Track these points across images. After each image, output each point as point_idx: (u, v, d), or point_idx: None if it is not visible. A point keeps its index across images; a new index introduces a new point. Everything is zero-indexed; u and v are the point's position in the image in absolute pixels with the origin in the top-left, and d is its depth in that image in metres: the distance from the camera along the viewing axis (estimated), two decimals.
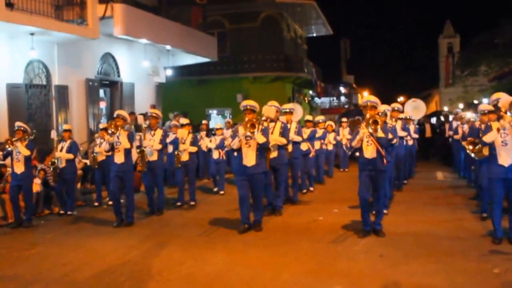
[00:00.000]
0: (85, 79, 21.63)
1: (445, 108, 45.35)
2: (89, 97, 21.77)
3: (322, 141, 19.70)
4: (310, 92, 45.80)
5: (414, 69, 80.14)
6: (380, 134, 10.26)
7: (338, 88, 58.46)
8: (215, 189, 18.00)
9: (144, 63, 24.83)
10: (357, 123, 10.73)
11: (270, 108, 13.06)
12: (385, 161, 10.48)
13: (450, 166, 23.39)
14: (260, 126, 11.28)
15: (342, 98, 58.63)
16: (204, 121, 20.96)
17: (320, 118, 21.43)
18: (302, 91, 43.09)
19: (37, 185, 14.41)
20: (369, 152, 10.53)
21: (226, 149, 16.03)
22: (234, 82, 36.52)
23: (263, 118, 12.02)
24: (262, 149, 11.57)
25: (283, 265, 8.94)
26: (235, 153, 11.60)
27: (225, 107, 37.07)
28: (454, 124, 20.33)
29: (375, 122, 10.12)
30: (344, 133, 22.61)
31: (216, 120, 34.54)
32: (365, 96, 10.90)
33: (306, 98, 44.50)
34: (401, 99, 33.03)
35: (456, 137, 18.85)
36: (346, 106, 54.52)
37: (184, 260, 9.48)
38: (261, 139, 11.22)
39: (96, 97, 22.37)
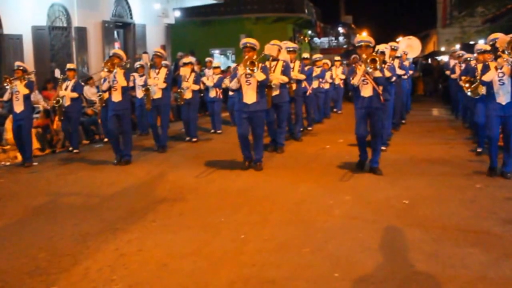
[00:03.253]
0: (102, 21, 22.70)
1: (442, 49, 46.11)
2: (105, 39, 22.86)
3: (321, 79, 19.50)
4: (309, 32, 46.79)
5: (412, 9, 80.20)
6: (377, 74, 10.34)
7: (337, 29, 59.21)
8: (212, 130, 18.10)
9: (155, 5, 26.05)
10: (353, 62, 11.45)
11: (271, 47, 13.15)
12: (382, 98, 10.68)
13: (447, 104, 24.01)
14: (260, 64, 11.30)
15: (341, 38, 59.28)
16: (208, 58, 21.03)
17: (318, 56, 21.37)
18: (302, 31, 44.15)
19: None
20: (366, 90, 10.61)
21: (223, 87, 16.78)
22: (237, 23, 37.52)
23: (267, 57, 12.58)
24: (262, 87, 11.54)
25: (300, 182, 10.47)
26: (231, 93, 12.34)
27: (228, 47, 38.11)
28: (452, 63, 20.14)
29: (373, 61, 10.17)
30: (337, 73, 22.26)
31: (219, 59, 35.54)
32: (359, 36, 11.25)
33: (306, 38, 45.56)
34: (399, 39, 33.79)
35: (453, 76, 18.59)
36: (345, 46, 55.32)
37: (214, 179, 10.97)
38: (260, 76, 11.14)
39: (112, 39, 23.43)
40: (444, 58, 36.30)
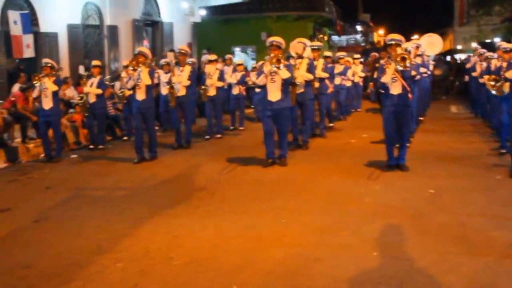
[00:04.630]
0: (132, 19, 23.56)
1: (459, 47, 46.46)
2: (135, 37, 23.72)
3: (343, 76, 19.50)
4: (328, 30, 47.30)
5: (428, 8, 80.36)
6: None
7: (355, 27, 59.58)
8: (231, 127, 18.11)
9: (182, 3, 26.81)
10: (373, 59, 11.43)
11: (297, 45, 13.33)
12: (410, 96, 10.78)
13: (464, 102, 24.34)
14: (285, 62, 11.43)
15: (358, 36, 59.54)
16: (229, 55, 21.28)
17: (341, 54, 21.30)
18: (322, 29, 44.71)
19: None
20: (395, 88, 10.71)
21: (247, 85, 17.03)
22: (259, 21, 37.97)
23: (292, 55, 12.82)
24: (287, 85, 11.64)
25: (329, 173, 11.14)
26: (257, 89, 12.36)
27: (250, 44, 38.66)
28: (472, 61, 20.15)
29: (403, 59, 10.30)
30: (357, 70, 22.02)
31: (240, 56, 36.06)
32: (390, 35, 11.21)
33: (325, 37, 46.10)
34: (415, 37, 34.07)
35: (474, 74, 18.50)
36: (363, 44, 55.69)
37: (247, 171, 11.60)
38: (285, 74, 11.25)
39: (141, 37, 24.29)
40: (462, 56, 36.70)
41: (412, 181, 10.21)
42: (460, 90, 28.15)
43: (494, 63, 14.00)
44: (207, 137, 16.14)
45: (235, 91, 17.95)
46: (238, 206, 8.90)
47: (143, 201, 9.38)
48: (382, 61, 11.54)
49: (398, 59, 10.38)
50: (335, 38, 51.71)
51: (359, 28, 59.83)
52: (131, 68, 12.66)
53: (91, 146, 15.15)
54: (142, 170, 12.16)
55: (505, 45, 13.10)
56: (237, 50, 39.05)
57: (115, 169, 12.44)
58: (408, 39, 18.95)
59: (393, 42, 10.75)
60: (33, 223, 8.39)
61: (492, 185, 9.85)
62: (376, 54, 22.18)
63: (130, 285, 5.88)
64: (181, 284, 5.89)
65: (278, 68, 11.11)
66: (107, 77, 17.54)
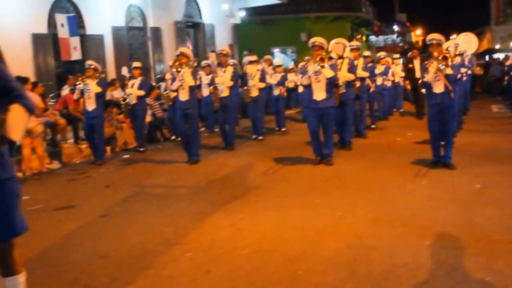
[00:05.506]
0: (174, 21, 24.07)
1: (497, 46, 46.32)
2: (178, 38, 24.19)
3: (385, 77, 19.87)
4: (366, 31, 47.55)
5: (464, 7, 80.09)
6: (449, 71, 10.63)
7: (392, 27, 59.67)
8: (276, 128, 18.26)
9: (222, 5, 27.29)
10: (412, 57, 11.41)
11: (337, 45, 13.46)
12: (452, 95, 10.92)
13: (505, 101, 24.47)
14: (329, 61, 11.55)
15: (395, 37, 59.55)
16: (267, 56, 21.52)
17: (381, 54, 21.70)
18: (359, 30, 44.97)
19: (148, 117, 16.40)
20: (438, 87, 10.86)
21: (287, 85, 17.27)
22: (297, 22, 38.37)
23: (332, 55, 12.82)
24: (331, 84, 11.75)
25: (378, 169, 11.59)
26: (300, 89, 12.59)
27: (289, 45, 38.98)
28: (511, 59, 20.46)
29: (445, 58, 10.51)
30: (396, 70, 21.76)
31: (279, 57, 36.33)
32: (430, 35, 11.29)
33: (363, 37, 46.35)
34: (453, 36, 34.06)
35: None
36: (400, 44, 55.76)
37: (296, 170, 12.01)
38: (329, 73, 11.45)
39: (184, 38, 24.77)
40: (500, 56, 36.65)
41: (458, 178, 10.55)
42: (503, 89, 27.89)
43: None
44: (254, 137, 16.40)
45: (276, 92, 18.13)
46: (294, 200, 9.36)
47: (203, 198, 9.87)
48: (415, 60, 11.53)
49: (440, 58, 10.60)
50: (372, 38, 51.93)
51: (396, 28, 59.88)
52: (174, 69, 12.72)
53: (141, 149, 15.33)
54: (194, 170, 12.57)
55: None
56: (276, 51, 39.33)
57: (168, 169, 12.83)
58: (446, 38, 19.16)
59: (434, 41, 10.93)
60: (99, 218, 8.93)
61: None
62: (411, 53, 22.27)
63: (202, 272, 6.35)
64: (250, 270, 6.36)
65: (323, 67, 11.33)
66: (158, 76, 17.75)
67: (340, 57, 13.38)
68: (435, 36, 11.05)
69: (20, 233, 4.57)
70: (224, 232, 7.80)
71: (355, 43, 16.01)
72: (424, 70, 11.17)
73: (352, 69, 13.56)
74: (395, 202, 8.98)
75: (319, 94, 11.74)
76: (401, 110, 22.43)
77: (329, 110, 11.90)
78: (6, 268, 4.59)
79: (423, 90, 11.48)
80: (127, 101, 14.95)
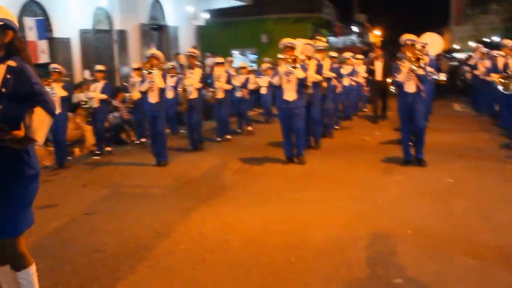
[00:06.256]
0: (140, 23, 24.12)
1: (456, 46, 46.93)
2: (143, 41, 24.29)
3: (351, 77, 20.00)
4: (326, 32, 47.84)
5: (424, 7, 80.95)
6: (421, 71, 10.93)
7: (351, 28, 59.94)
8: (238, 130, 18.15)
9: (186, 7, 27.47)
10: (374, 58, 11.58)
11: (307, 46, 13.68)
12: (423, 94, 11.27)
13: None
14: (301, 62, 11.75)
15: (354, 37, 59.77)
16: (230, 58, 21.63)
17: (348, 54, 21.55)
18: (320, 31, 45.32)
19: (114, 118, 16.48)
20: (410, 87, 11.15)
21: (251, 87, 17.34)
22: (259, 24, 38.02)
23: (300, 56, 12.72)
24: (301, 85, 11.92)
25: (352, 166, 11.93)
26: (263, 91, 12.52)
27: (250, 47, 39.13)
28: (473, 60, 20.92)
29: (418, 60, 10.82)
30: (360, 71, 21.88)
31: (239, 59, 36.30)
32: (405, 35, 11.44)
33: (324, 38, 46.66)
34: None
35: (477, 72, 19.18)
36: (359, 45, 56.09)
37: (270, 168, 12.23)
38: (301, 74, 11.58)
39: (149, 41, 24.75)
40: (459, 56, 37.23)
41: (430, 172, 10.99)
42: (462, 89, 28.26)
43: (501, 61, 14.57)
44: (219, 139, 16.37)
45: (239, 93, 18.15)
46: (275, 195, 9.66)
47: (184, 196, 10.06)
48: (376, 62, 11.57)
49: (413, 59, 10.89)
50: (332, 39, 52.24)
51: (355, 29, 60.17)
52: (145, 70, 12.60)
53: (98, 152, 14.93)
54: (166, 171, 12.53)
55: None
56: (236, 53, 39.41)
57: (140, 170, 12.76)
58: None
59: (408, 42, 11.16)
60: (84, 215, 9.06)
61: (506, 175, 10.58)
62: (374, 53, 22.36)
63: (199, 261, 6.63)
64: (246, 258, 6.67)
65: (295, 68, 11.45)
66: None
67: (309, 58, 13.54)
68: (409, 37, 11.28)
69: (31, 225, 4.85)
70: (212, 226, 8.05)
71: (322, 44, 15.92)
72: (396, 69, 11.41)
73: (319, 70, 13.77)
74: (372, 196, 9.33)
75: (290, 94, 11.96)
76: (365, 110, 22.83)
77: (300, 110, 12.13)
78: (17, 261, 4.80)
79: (393, 89, 12.01)
80: (88, 105, 14.71)
